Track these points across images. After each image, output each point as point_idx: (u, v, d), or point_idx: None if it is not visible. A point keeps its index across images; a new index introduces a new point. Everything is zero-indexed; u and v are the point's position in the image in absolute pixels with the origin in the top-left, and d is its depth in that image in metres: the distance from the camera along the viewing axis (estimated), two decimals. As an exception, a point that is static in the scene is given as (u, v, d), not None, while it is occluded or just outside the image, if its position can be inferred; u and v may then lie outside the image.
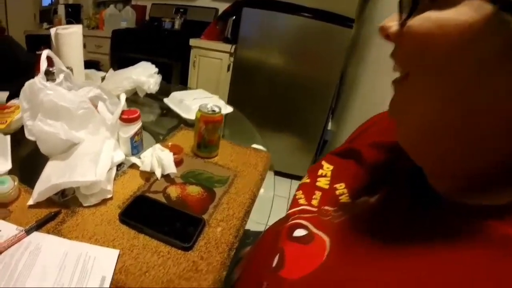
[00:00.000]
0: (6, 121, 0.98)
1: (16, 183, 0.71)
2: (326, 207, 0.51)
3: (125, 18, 3.33)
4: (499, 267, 0.26)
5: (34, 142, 0.77)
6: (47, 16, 3.73)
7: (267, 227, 0.62)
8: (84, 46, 3.15)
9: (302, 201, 0.54)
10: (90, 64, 2.98)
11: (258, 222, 0.79)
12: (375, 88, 1.71)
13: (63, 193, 0.71)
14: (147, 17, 3.53)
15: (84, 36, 3.28)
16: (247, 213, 0.72)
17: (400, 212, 0.39)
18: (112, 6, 3.45)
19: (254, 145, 1.05)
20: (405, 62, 0.34)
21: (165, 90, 1.42)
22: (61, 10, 3.60)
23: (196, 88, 2.66)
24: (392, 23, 0.34)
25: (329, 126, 2.58)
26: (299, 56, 2.21)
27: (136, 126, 0.86)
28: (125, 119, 0.83)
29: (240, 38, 2.31)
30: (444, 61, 0.29)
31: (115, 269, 0.55)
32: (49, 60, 0.88)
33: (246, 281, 0.52)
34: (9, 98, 1.24)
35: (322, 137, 2.46)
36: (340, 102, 2.64)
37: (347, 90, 2.48)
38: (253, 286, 0.46)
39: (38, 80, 0.74)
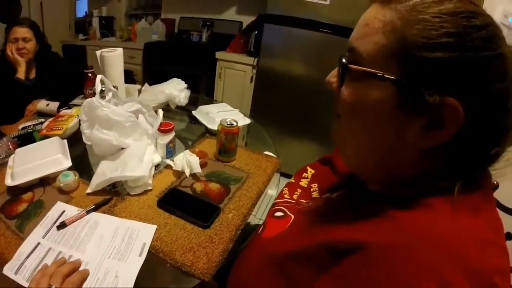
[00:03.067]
0: (62, 128, 1.20)
1: (76, 177, 0.93)
2: (302, 200, 0.70)
3: (155, 31, 3.56)
4: (390, 234, 0.40)
5: (82, 146, 0.98)
6: (82, 27, 4.07)
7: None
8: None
9: (286, 196, 0.74)
10: (124, 74, 3.25)
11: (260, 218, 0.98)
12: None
13: (114, 185, 0.93)
14: (176, 30, 3.73)
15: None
16: (253, 205, 0.92)
17: (345, 202, 0.57)
18: (143, 20, 3.72)
19: (266, 152, 1.22)
20: (339, 109, 0.50)
21: (193, 100, 1.63)
22: (95, 22, 3.92)
23: (222, 98, 2.84)
24: (334, 79, 0.50)
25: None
26: (317, 67, 2.33)
27: (171, 135, 1.07)
28: (162, 130, 1.05)
29: (261, 52, 2.48)
30: (360, 116, 0.46)
31: (153, 238, 0.76)
32: (94, 79, 1.08)
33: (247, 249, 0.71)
34: (59, 107, 1.50)
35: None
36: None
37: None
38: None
39: (96, 99, 0.96)
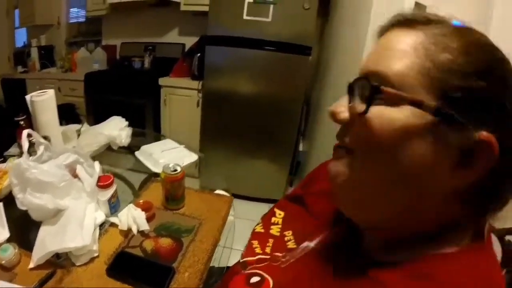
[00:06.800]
0: (-4, 189, 1.08)
1: (16, 250, 0.84)
2: (277, 253, 0.60)
3: (96, 60, 3.43)
4: None
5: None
6: (21, 58, 3.80)
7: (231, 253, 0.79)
8: (59, 90, 3.26)
9: (258, 250, 0.64)
10: (66, 107, 3.14)
11: (225, 246, 0.98)
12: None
13: (58, 255, 0.85)
14: (117, 57, 3.61)
15: (58, 80, 3.42)
16: (210, 258, 0.88)
17: (329, 259, 0.49)
18: (83, 48, 3.55)
19: (218, 191, 1.19)
20: (356, 142, 0.42)
21: (139, 135, 1.56)
22: (34, 52, 3.68)
23: (169, 127, 2.78)
24: (343, 109, 0.43)
25: (301, 147, 2.73)
26: (263, 84, 2.35)
27: (111, 190, 1.00)
28: (101, 185, 0.98)
29: (206, 75, 2.44)
30: (389, 148, 0.39)
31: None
32: (27, 127, 1.00)
33: None
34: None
35: (295, 158, 2.58)
36: (309, 124, 2.82)
37: (314, 112, 2.67)
38: None
39: (23, 161, 0.88)
